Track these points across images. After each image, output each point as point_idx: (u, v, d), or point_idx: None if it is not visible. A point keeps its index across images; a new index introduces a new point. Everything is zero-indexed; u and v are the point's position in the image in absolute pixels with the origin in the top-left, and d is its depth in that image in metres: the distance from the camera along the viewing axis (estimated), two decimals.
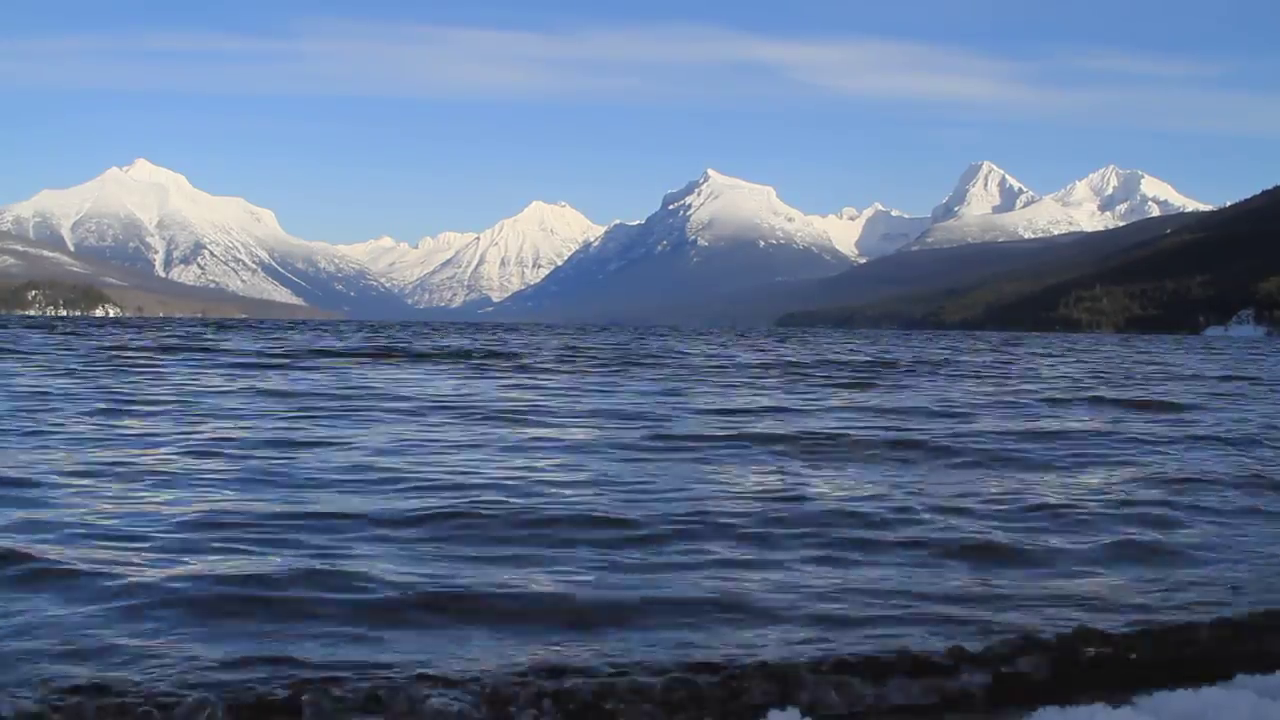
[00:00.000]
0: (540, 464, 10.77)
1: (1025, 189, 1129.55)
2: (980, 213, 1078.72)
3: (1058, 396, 21.67)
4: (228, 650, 4.74)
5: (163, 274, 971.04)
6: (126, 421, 13.78)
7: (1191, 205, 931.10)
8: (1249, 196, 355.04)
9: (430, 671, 4.49)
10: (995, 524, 8.02)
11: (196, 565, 6.18)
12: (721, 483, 9.81)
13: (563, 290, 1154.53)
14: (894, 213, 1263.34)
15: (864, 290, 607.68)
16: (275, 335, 63.47)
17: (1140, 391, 23.90)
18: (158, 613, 5.27)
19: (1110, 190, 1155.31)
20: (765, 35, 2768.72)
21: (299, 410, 15.63)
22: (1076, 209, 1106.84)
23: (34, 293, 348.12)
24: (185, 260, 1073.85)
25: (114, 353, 34.16)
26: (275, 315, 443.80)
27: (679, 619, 5.40)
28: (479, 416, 15.29)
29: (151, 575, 5.88)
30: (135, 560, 6.28)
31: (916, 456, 11.76)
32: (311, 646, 4.85)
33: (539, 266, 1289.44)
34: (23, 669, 4.47)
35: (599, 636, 5.12)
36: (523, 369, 29.83)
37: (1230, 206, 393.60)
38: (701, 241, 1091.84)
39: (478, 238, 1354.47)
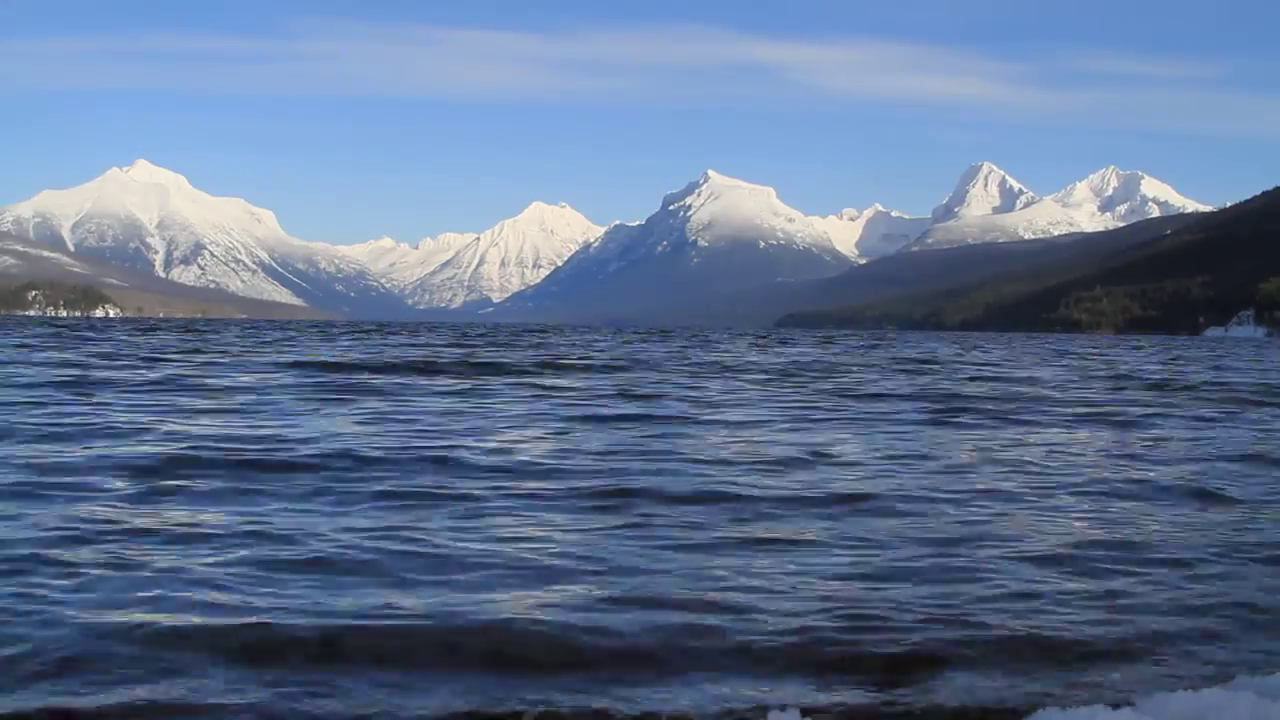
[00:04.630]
0: None
1: (1025, 190, 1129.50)
2: (980, 213, 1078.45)
3: None
4: None
5: (163, 274, 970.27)
6: None
7: (1192, 206, 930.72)
8: (1249, 197, 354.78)
9: None
10: None
11: None
12: None
13: (563, 291, 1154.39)
14: (894, 213, 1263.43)
15: (864, 291, 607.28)
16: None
17: None
18: None
19: (1110, 191, 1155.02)
20: (765, 36, 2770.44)
21: None
22: (1077, 210, 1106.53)
23: (34, 293, 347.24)
24: (185, 261, 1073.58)
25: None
26: (276, 316, 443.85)
27: None
28: None
29: None
30: None
31: None
32: None
33: (539, 267, 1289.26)
34: None
35: None
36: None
37: (1230, 207, 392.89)
38: (702, 242, 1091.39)
39: (478, 238, 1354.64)
